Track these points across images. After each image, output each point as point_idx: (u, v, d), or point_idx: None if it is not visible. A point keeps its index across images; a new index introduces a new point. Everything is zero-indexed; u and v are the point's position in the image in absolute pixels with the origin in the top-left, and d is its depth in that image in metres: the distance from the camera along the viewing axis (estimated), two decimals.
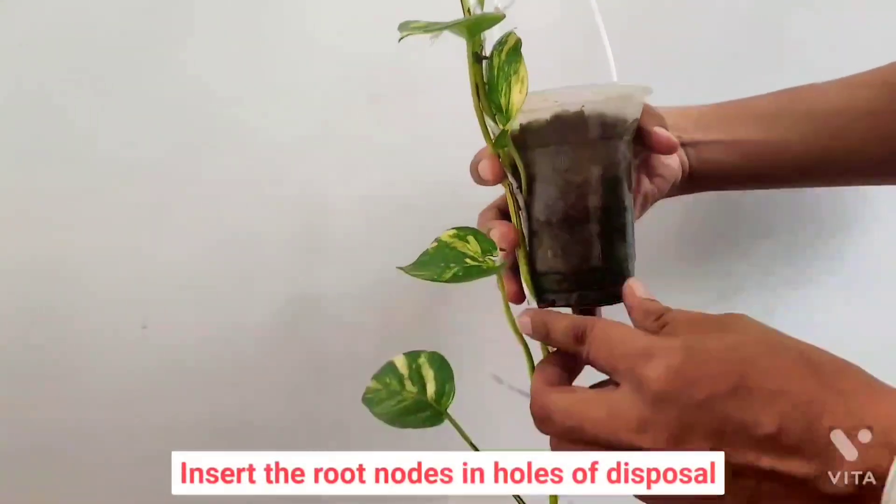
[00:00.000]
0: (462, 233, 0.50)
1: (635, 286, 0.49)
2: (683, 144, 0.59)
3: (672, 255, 0.81)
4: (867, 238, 0.85)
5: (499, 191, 0.54)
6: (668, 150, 0.53)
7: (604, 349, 0.43)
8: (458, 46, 0.48)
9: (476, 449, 0.51)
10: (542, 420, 0.44)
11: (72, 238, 0.68)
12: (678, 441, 0.39)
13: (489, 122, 0.49)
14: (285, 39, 0.70)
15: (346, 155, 0.72)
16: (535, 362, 0.51)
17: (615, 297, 0.50)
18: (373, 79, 0.71)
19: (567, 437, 0.43)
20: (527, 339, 0.51)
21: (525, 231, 0.51)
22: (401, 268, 0.50)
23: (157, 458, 0.68)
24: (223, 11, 0.68)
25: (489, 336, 0.72)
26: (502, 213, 0.54)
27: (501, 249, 0.50)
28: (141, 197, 0.69)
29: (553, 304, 0.51)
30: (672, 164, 0.58)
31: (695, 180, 0.61)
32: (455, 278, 0.48)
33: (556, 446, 0.44)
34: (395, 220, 0.73)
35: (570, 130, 0.48)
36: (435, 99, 0.71)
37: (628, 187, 0.51)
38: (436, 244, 0.50)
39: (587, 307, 0.52)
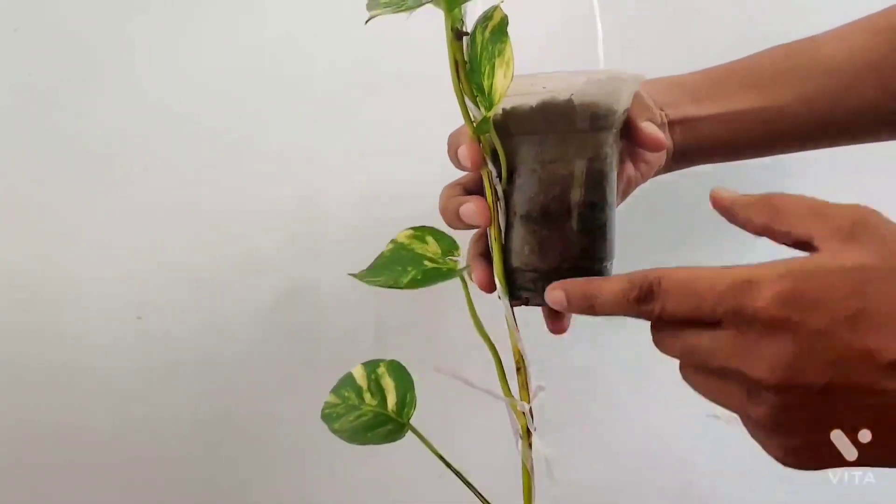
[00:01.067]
0: (420, 233, 0.47)
1: None
2: (674, 122, 0.54)
3: (670, 248, 0.79)
4: None
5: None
6: (656, 148, 0.49)
7: (691, 299, 0.37)
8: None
9: (442, 458, 0.48)
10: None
11: (67, 229, 0.68)
12: (796, 371, 0.36)
13: (469, 103, 0.45)
14: (282, 34, 0.69)
15: (342, 148, 0.71)
16: (502, 365, 0.48)
17: None
18: (370, 73, 0.70)
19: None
20: (494, 342, 0.48)
21: (501, 223, 0.48)
22: (353, 274, 0.46)
23: (155, 448, 0.71)
24: (218, 10, 0.68)
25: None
26: (467, 192, 0.50)
27: (475, 227, 0.47)
28: (136, 189, 0.68)
29: (527, 303, 0.48)
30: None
31: (685, 157, 0.56)
32: (413, 283, 0.45)
33: (661, 344, 0.40)
34: (390, 212, 0.71)
35: (557, 119, 0.45)
36: (431, 93, 0.67)
37: (614, 181, 0.47)
38: (392, 246, 0.47)
39: None
